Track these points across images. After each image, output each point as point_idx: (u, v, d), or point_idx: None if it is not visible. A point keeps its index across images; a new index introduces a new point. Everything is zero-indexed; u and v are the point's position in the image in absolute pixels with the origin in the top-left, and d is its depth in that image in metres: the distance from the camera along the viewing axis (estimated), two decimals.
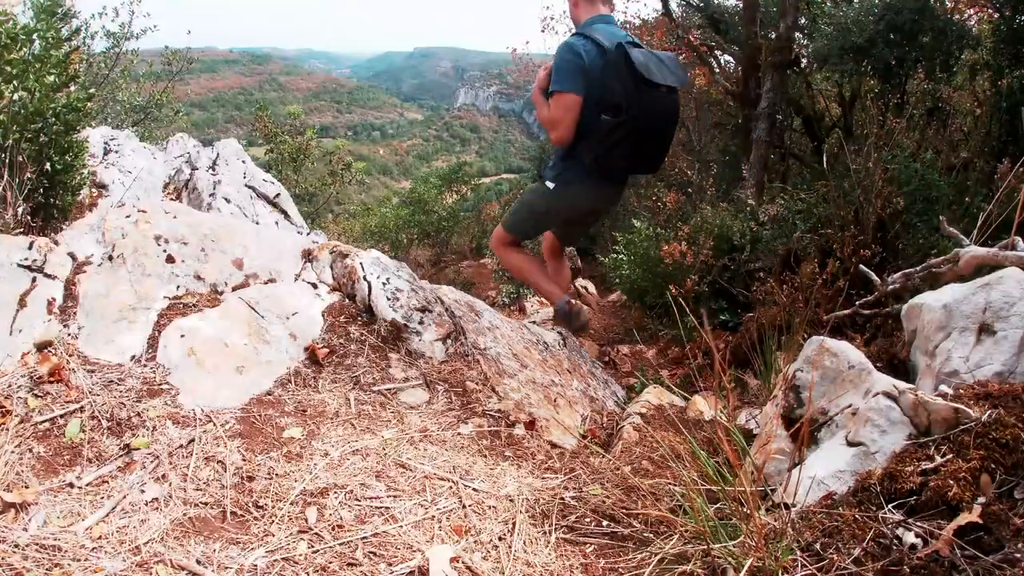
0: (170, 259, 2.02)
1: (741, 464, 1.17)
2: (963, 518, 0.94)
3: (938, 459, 1.07)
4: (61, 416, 1.46)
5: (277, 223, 3.55)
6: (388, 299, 2.12)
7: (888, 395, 1.27)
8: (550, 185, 2.40)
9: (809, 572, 0.97)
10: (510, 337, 2.33)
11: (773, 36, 5.85)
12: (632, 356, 3.57)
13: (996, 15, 4.42)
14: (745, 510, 1.10)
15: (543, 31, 9.94)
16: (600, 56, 2.12)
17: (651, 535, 1.27)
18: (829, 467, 1.23)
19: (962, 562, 0.90)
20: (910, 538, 0.96)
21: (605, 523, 1.33)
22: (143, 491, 1.31)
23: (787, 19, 5.58)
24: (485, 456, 1.65)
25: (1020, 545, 0.90)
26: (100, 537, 1.17)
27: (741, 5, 6.47)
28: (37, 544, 1.12)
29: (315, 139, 10.17)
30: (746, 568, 0.99)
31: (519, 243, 2.66)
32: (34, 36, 2.09)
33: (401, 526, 1.29)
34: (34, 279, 1.78)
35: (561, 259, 2.85)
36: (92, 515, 1.22)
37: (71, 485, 1.30)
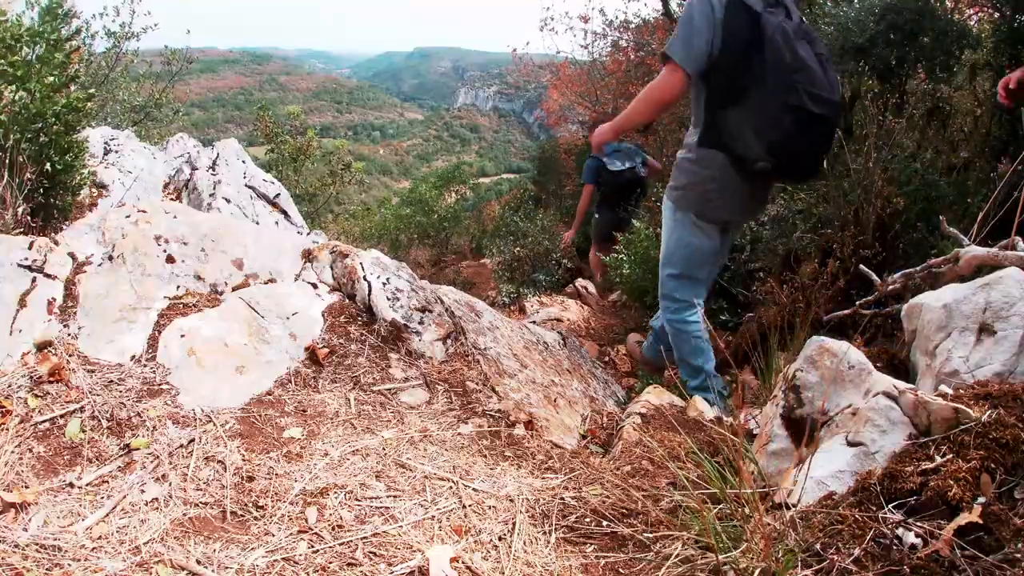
0: (170, 259, 2.02)
1: (743, 465, 1.17)
2: (963, 518, 0.94)
3: (938, 459, 1.07)
4: (61, 416, 1.46)
5: (277, 223, 3.55)
6: (388, 299, 2.12)
7: (888, 395, 1.27)
8: None
9: (808, 574, 0.97)
10: (510, 337, 2.33)
11: None
12: (632, 356, 3.56)
13: (996, 15, 4.42)
14: (747, 511, 1.10)
15: (542, 31, 9.92)
16: None
17: (652, 535, 1.27)
18: (829, 467, 1.23)
19: (962, 562, 0.90)
20: (910, 538, 0.96)
21: (605, 523, 1.33)
22: (143, 491, 1.31)
23: None
24: (485, 456, 1.65)
25: (1020, 545, 0.90)
26: (100, 537, 1.17)
27: None
28: (37, 544, 1.12)
29: (316, 139, 10.17)
30: (749, 572, 0.99)
31: None
32: (37, 38, 2.09)
33: (401, 526, 1.29)
34: (34, 279, 1.78)
35: None
36: (92, 515, 1.22)
37: (71, 485, 1.30)
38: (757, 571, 0.99)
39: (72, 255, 1.93)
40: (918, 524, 0.98)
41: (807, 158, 1.97)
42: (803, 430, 1.40)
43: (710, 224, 2.20)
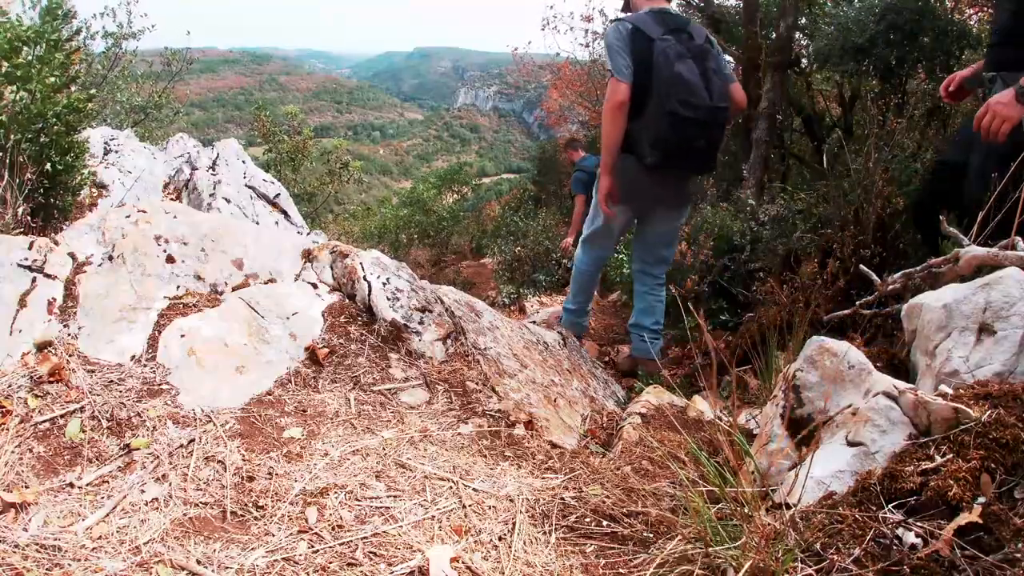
0: (170, 259, 2.02)
1: (742, 465, 1.17)
2: (963, 518, 0.94)
3: (938, 459, 1.07)
4: (61, 416, 1.46)
5: (277, 223, 3.55)
6: (388, 299, 2.12)
7: (888, 395, 1.27)
8: None
9: (809, 573, 0.97)
10: (510, 337, 2.33)
11: (773, 36, 5.86)
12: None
13: None
14: (746, 511, 1.10)
15: (544, 30, 9.90)
16: None
17: (652, 535, 1.27)
18: (829, 467, 1.23)
19: (962, 562, 0.90)
20: (910, 538, 0.96)
21: (605, 523, 1.33)
22: (143, 491, 1.31)
23: (787, 19, 5.59)
24: (485, 456, 1.65)
25: (1020, 545, 0.90)
26: (100, 537, 1.17)
27: (741, 5, 6.47)
28: (37, 544, 1.12)
29: (313, 138, 10.19)
30: (746, 568, 0.99)
31: None
32: (39, 39, 2.09)
33: (401, 526, 1.29)
34: (34, 279, 1.78)
35: None
36: (92, 515, 1.22)
37: (71, 485, 1.30)
38: (749, 563, 0.99)
39: (72, 255, 1.93)
40: (918, 524, 0.98)
41: (685, 152, 2.37)
42: (803, 430, 1.40)
43: (625, 206, 2.67)
